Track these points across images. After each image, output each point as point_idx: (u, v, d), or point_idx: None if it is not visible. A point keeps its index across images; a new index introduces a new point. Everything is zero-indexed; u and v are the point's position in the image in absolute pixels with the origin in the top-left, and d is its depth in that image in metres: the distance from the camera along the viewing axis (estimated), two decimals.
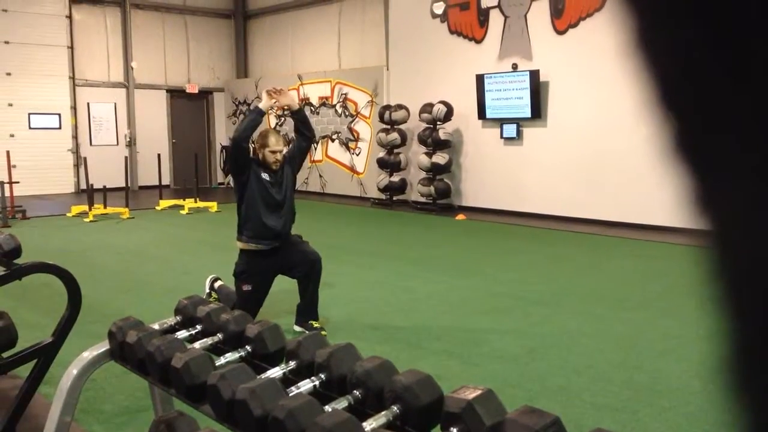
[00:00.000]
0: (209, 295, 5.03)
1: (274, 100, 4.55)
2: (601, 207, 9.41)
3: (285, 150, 4.64)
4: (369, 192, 12.81)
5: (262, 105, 4.54)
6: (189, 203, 11.42)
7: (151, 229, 9.55)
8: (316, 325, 4.55)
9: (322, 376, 1.58)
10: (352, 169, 13.30)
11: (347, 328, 4.63)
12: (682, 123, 0.35)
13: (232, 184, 4.67)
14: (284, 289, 4.99)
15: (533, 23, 10.08)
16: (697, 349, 4.26)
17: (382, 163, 11.95)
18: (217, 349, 1.90)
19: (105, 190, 10.72)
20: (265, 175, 4.54)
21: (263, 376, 1.62)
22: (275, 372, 1.66)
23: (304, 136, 4.71)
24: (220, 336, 1.92)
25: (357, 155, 13.22)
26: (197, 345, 1.89)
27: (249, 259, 4.57)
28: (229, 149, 4.69)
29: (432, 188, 11.16)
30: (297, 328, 4.59)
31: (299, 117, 4.69)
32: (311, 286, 4.59)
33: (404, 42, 12.08)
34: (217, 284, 5.08)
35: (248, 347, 1.81)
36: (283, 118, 14.97)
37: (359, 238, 8.96)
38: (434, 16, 11.51)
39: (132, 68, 15.04)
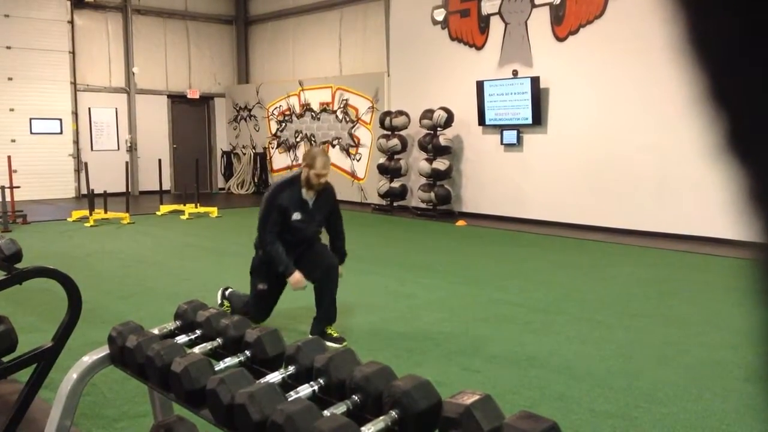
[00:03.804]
0: (221, 304, 4.95)
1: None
2: (602, 214, 9.41)
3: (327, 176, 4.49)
4: (369, 198, 12.82)
5: (289, 278, 4.40)
6: (189, 208, 11.43)
7: (151, 235, 9.55)
8: (335, 334, 4.46)
9: (321, 381, 1.58)
10: (352, 174, 13.32)
11: (347, 334, 4.62)
12: (734, 119, 0.35)
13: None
14: (298, 296, 4.98)
15: (534, 30, 10.11)
16: (696, 356, 4.27)
17: (382, 169, 11.97)
18: (217, 354, 1.91)
19: (105, 195, 10.73)
20: (296, 216, 4.41)
21: (262, 380, 1.62)
22: (274, 377, 1.67)
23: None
24: (219, 341, 1.93)
25: (357, 161, 13.24)
26: (197, 350, 1.89)
27: (266, 259, 4.48)
28: (258, 242, 4.58)
29: (432, 194, 11.17)
30: None
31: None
32: (328, 291, 4.47)
33: (405, 48, 12.11)
34: (228, 292, 4.97)
35: (247, 352, 1.82)
36: (284, 124, 15.00)
37: (360, 243, 8.94)
38: (435, 22, 11.55)
39: (133, 73, 15.08)
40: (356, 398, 1.49)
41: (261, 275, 4.51)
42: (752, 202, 0.35)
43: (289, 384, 1.65)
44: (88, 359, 2.11)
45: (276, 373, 1.68)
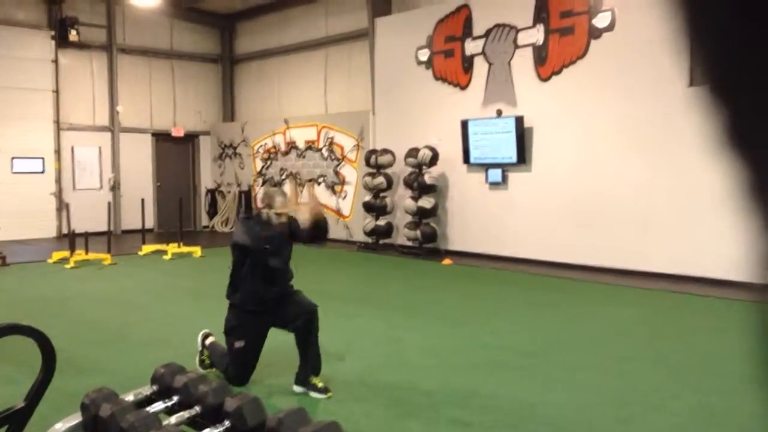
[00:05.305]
0: (201, 352, 4.79)
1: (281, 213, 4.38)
2: (587, 252, 9.39)
3: (289, 211, 4.46)
4: (355, 235, 12.74)
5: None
6: (172, 248, 11.27)
7: (132, 276, 9.39)
8: (320, 385, 4.30)
9: None
10: (338, 212, 13.26)
11: (332, 383, 4.50)
12: (735, 110, 0.34)
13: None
14: (280, 342, 4.87)
15: (517, 70, 10.20)
16: (688, 402, 4.19)
17: (368, 207, 11.93)
18: (195, 423, 1.82)
19: (87, 235, 10.57)
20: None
21: None
22: None
23: (318, 241, 4.58)
24: (197, 409, 1.83)
25: (343, 199, 13.20)
26: (173, 419, 1.80)
27: (240, 314, 4.37)
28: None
29: (418, 232, 11.13)
30: (298, 389, 4.29)
31: (319, 231, 4.48)
32: (311, 339, 4.34)
33: (390, 87, 12.18)
34: (208, 341, 4.76)
35: (227, 422, 1.73)
36: (269, 162, 14.97)
37: (345, 283, 8.86)
38: (419, 62, 11.63)
39: (117, 112, 15.02)
40: None
41: (237, 334, 4.35)
42: (751, 195, 0.35)
43: None
44: (60, 427, 2.01)
45: None
